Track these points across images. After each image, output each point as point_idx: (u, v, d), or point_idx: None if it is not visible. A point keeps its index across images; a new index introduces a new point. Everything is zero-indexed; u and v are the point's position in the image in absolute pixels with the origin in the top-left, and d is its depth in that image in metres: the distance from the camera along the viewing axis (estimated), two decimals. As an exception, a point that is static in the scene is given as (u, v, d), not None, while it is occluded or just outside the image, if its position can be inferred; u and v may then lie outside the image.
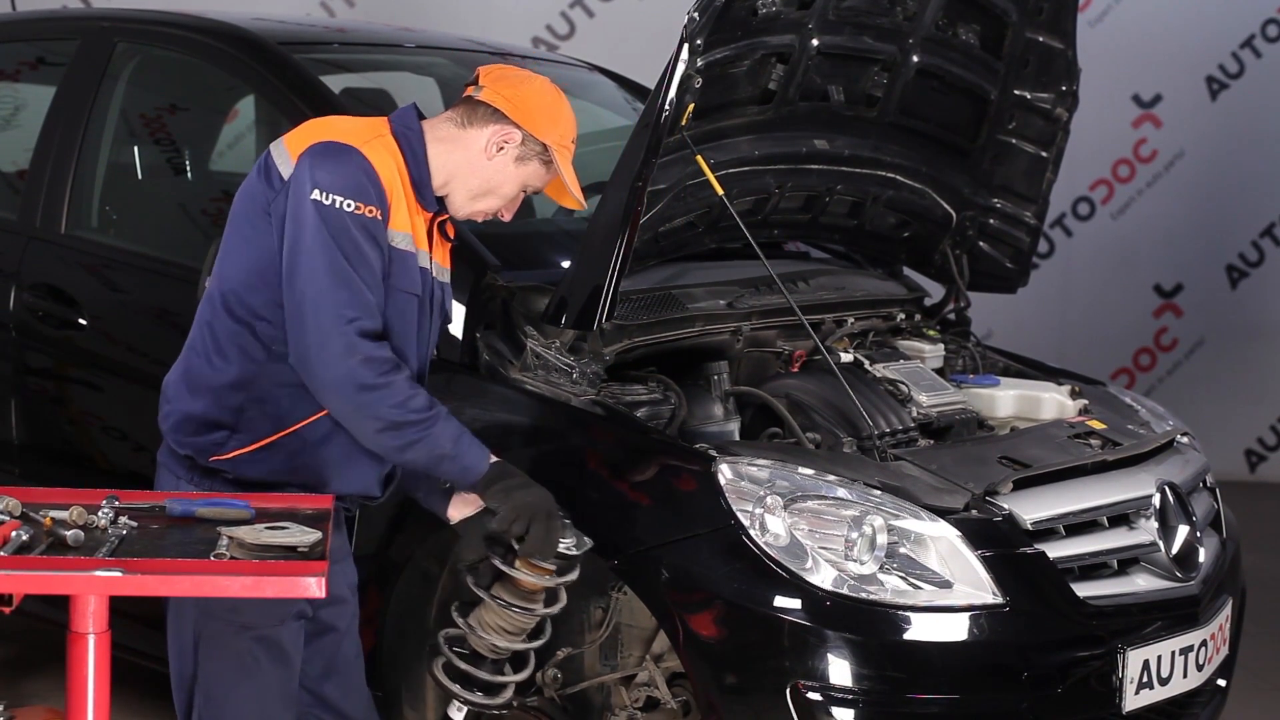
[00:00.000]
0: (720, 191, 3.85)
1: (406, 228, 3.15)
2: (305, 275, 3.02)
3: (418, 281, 3.18)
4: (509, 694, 3.30)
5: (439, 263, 3.29)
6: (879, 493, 3.50)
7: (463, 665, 3.25)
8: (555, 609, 3.27)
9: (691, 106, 3.66)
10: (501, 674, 3.27)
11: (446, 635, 3.28)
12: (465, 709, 3.29)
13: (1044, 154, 4.56)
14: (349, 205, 3.02)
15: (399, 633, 3.76)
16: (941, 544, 3.45)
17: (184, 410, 3.20)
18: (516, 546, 3.15)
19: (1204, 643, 3.76)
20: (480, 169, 3.23)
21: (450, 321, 3.50)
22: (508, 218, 3.32)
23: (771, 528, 3.40)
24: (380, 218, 3.07)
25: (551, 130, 3.23)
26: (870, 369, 4.11)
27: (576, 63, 5.53)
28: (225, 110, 5.29)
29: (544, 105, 3.24)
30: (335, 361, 3.01)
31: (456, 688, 3.26)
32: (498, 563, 3.19)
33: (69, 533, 2.78)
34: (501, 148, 3.21)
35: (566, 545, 3.18)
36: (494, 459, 3.15)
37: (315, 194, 3.01)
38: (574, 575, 3.25)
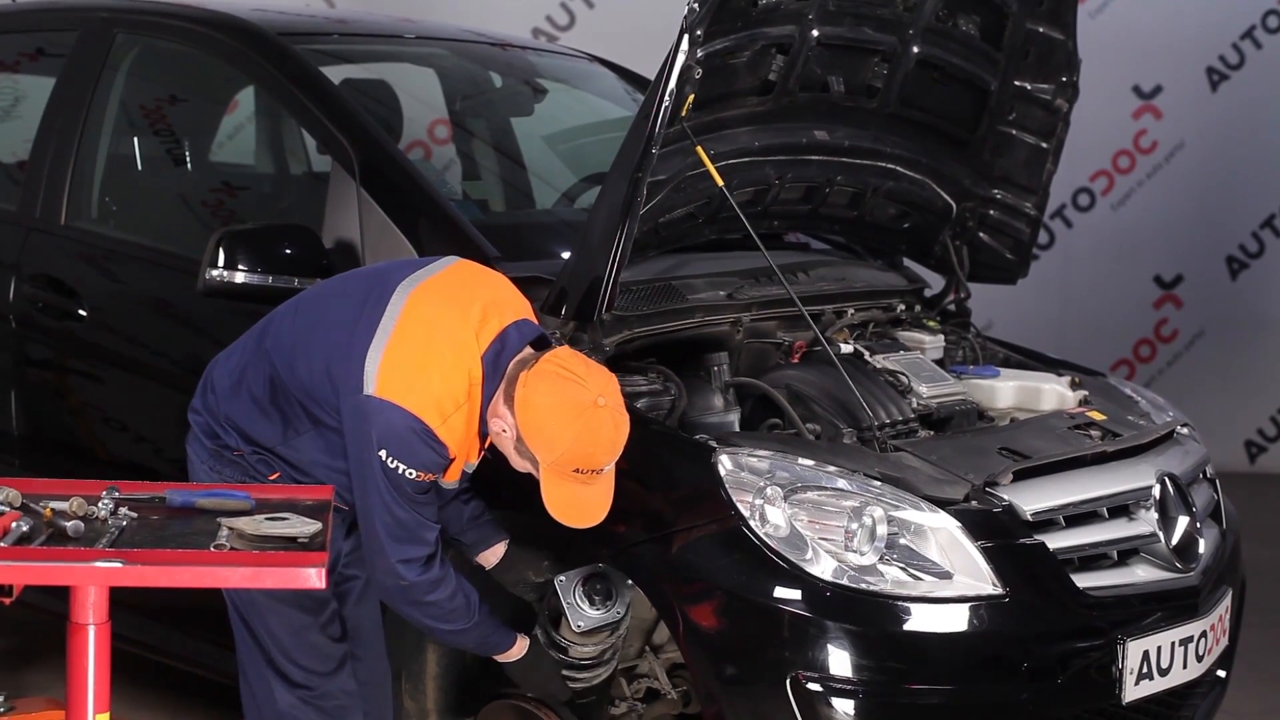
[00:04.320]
0: (720, 182, 3.85)
1: (456, 475, 3.38)
2: (373, 507, 3.27)
3: (449, 493, 3.49)
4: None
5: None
6: (879, 484, 3.50)
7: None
8: (618, 641, 3.56)
9: (691, 97, 3.65)
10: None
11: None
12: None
13: (1044, 145, 4.55)
14: (411, 473, 3.24)
15: (401, 624, 3.75)
16: (941, 535, 3.45)
17: (209, 410, 3.47)
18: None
19: (1204, 634, 3.76)
20: (495, 436, 3.31)
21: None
22: None
23: (771, 518, 3.40)
24: (436, 478, 3.31)
25: (545, 450, 3.21)
26: (870, 360, 4.11)
27: (576, 54, 5.52)
28: (225, 101, 5.30)
29: (549, 424, 3.20)
30: (385, 578, 3.34)
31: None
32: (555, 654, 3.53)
33: (69, 524, 2.79)
34: (504, 430, 3.26)
35: (607, 611, 3.45)
36: (519, 646, 3.50)
37: (382, 454, 3.22)
38: (624, 627, 3.51)
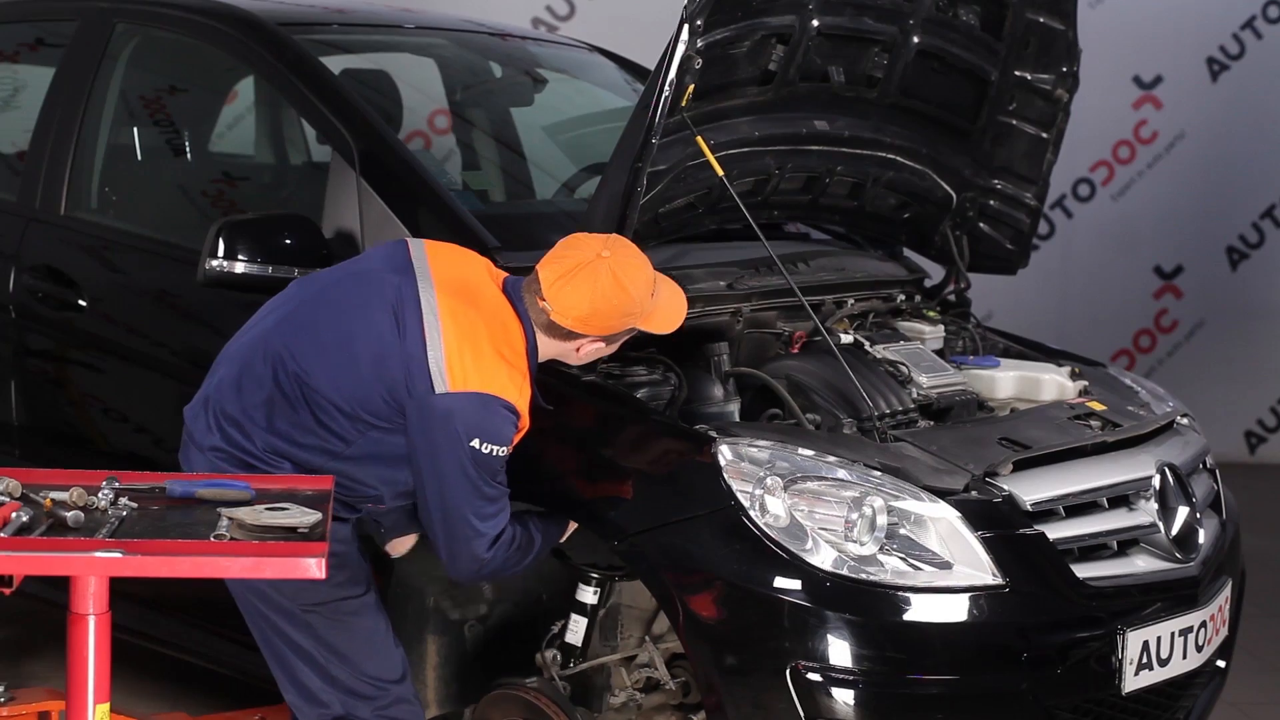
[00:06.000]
0: (720, 172, 3.85)
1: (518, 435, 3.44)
2: (461, 499, 3.32)
3: None
4: None
5: None
6: (879, 474, 3.50)
7: None
8: None
9: (691, 87, 3.65)
10: None
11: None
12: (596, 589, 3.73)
13: (1044, 135, 4.55)
14: (500, 451, 3.32)
15: (400, 614, 3.76)
16: (941, 525, 3.45)
17: (237, 446, 3.38)
18: None
19: (1203, 624, 3.76)
20: (583, 356, 3.48)
21: None
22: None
23: (771, 509, 3.40)
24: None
25: (629, 317, 3.41)
26: (870, 350, 4.11)
27: (576, 44, 5.52)
28: (225, 91, 5.29)
29: (609, 304, 3.36)
30: (462, 565, 3.40)
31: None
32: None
33: (69, 514, 2.79)
34: (599, 347, 3.47)
35: None
36: (570, 524, 3.60)
37: (474, 444, 3.28)
38: None
